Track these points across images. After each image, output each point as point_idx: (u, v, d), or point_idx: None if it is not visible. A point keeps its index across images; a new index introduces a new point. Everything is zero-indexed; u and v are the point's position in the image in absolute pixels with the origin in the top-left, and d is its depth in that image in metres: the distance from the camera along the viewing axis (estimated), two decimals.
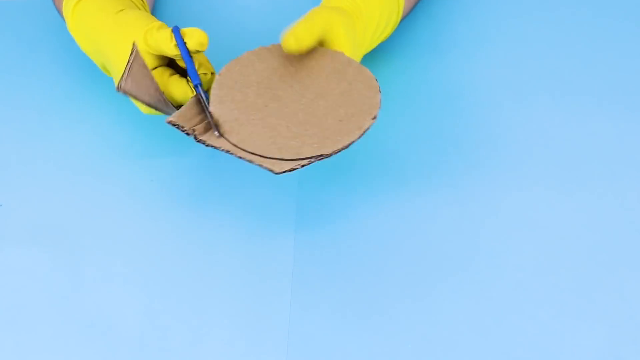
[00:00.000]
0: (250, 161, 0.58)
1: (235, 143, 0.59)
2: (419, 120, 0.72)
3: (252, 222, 0.66)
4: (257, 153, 0.58)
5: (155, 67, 0.65)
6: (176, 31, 0.63)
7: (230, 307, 0.61)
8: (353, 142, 0.59)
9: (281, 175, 0.58)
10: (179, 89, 0.64)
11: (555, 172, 0.68)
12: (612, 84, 0.75)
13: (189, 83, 0.64)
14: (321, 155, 0.58)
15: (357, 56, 0.67)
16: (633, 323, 0.60)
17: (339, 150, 0.58)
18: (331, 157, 0.59)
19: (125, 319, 0.61)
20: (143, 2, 0.73)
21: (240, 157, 0.58)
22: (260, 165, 0.58)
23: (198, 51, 0.63)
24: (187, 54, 0.63)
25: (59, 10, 0.74)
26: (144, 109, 0.66)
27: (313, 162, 0.58)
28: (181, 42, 0.63)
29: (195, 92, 0.63)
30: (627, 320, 0.60)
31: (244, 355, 0.59)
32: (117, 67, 0.65)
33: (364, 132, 0.59)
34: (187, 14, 0.81)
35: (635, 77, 0.75)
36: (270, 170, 0.57)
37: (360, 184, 0.67)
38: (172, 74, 0.65)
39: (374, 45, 0.72)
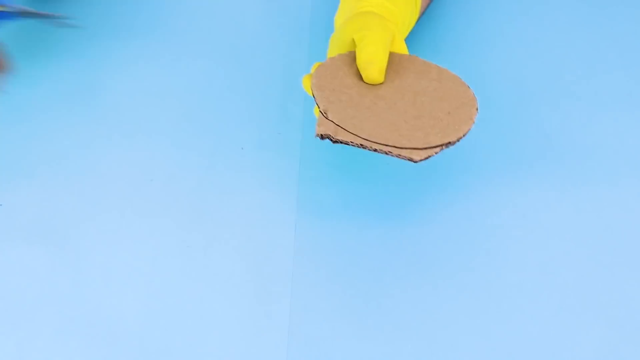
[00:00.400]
0: (388, 152, 0.58)
1: (366, 137, 0.59)
2: None
3: (252, 222, 0.66)
4: (390, 144, 0.59)
5: None
6: None
7: (230, 307, 0.61)
8: (470, 129, 0.60)
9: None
10: None
11: (555, 172, 0.68)
12: (612, 83, 0.75)
13: None
14: (449, 142, 0.59)
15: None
16: (633, 323, 0.60)
17: (462, 138, 0.59)
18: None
19: (125, 319, 0.61)
20: None
21: (376, 150, 0.59)
22: (399, 156, 0.58)
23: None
24: None
25: None
26: None
27: (443, 149, 0.59)
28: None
29: None
30: (627, 320, 0.60)
31: (244, 356, 0.59)
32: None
33: (474, 121, 0.60)
34: (183, 12, 0.81)
35: (636, 77, 0.75)
36: (410, 159, 0.58)
37: (360, 184, 0.67)
38: None
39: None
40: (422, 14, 0.77)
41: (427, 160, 0.69)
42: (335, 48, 0.66)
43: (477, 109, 0.61)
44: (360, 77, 0.63)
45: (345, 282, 0.62)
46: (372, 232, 0.65)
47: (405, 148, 0.59)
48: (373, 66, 0.62)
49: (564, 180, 0.68)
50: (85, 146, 0.70)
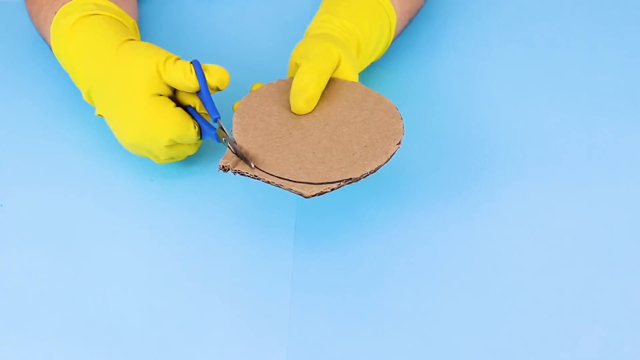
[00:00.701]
0: (279, 185, 0.58)
1: (263, 169, 0.59)
2: (418, 120, 0.71)
3: (252, 222, 0.65)
4: (286, 177, 0.59)
5: (160, 95, 0.63)
6: (197, 65, 0.62)
7: (230, 307, 0.61)
8: (381, 166, 0.59)
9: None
10: (183, 121, 0.63)
11: (555, 171, 0.68)
12: (613, 83, 0.75)
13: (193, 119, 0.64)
14: (350, 178, 0.58)
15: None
16: (633, 323, 0.60)
17: (367, 175, 0.59)
18: None
19: (125, 319, 0.60)
20: (136, 30, 0.71)
21: (268, 182, 0.59)
22: (290, 190, 0.58)
23: (217, 89, 0.63)
24: (207, 89, 0.62)
25: (39, 26, 0.72)
26: (162, 157, 0.65)
27: (342, 185, 0.58)
28: (202, 77, 0.62)
29: (197, 125, 0.63)
30: (627, 320, 0.60)
31: (244, 356, 0.59)
32: (110, 97, 0.64)
33: (390, 157, 0.60)
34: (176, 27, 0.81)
35: (636, 77, 0.75)
36: (300, 194, 0.57)
37: (360, 185, 0.67)
38: (174, 106, 0.63)
39: (366, 65, 0.72)
40: (402, 30, 0.76)
41: (426, 161, 0.69)
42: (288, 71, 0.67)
43: (399, 143, 0.60)
44: (290, 105, 0.63)
45: (345, 282, 0.62)
46: (372, 232, 0.65)
47: (298, 182, 0.58)
48: (300, 96, 0.62)
49: (564, 180, 0.68)
50: (85, 146, 0.70)
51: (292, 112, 0.64)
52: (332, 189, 0.58)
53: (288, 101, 0.64)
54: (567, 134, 0.71)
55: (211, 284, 0.62)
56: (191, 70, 0.62)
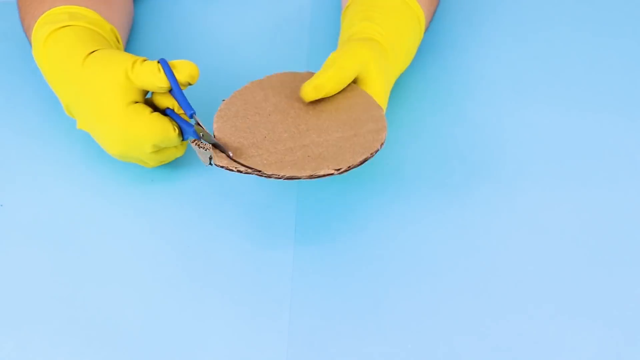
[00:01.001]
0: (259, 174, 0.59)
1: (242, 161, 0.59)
2: (418, 120, 0.72)
3: (252, 222, 0.66)
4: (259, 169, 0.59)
5: (135, 102, 0.63)
6: (164, 63, 0.61)
7: (230, 307, 0.61)
8: (327, 174, 0.58)
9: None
10: (162, 126, 0.62)
11: (555, 171, 0.68)
12: (613, 83, 0.75)
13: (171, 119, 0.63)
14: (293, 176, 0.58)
15: (390, 84, 0.67)
16: (633, 323, 0.60)
17: (312, 177, 0.58)
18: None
19: (125, 319, 0.60)
20: (118, 40, 0.70)
21: (248, 173, 0.59)
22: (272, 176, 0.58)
23: (189, 83, 0.62)
24: (178, 86, 0.61)
25: (27, 35, 0.72)
26: (151, 163, 0.65)
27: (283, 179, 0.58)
28: (171, 75, 0.61)
29: (177, 127, 0.63)
30: (627, 320, 0.60)
31: (244, 356, 0.59)
32: (86, 112, 0.63)
33: (335, 172, 0.58)
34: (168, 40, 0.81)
35: (636, 77, 0.75)
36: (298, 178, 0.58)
37: (360, 185, 0.67)
38: (151, 112, 0.63)
39: (403, 70, 0.71)
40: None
41: (426, 161, 0.69)
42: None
43: (345, 168, 0.58)
44: (272, 105, 0.63)
45: (346, 282, 0.62)
46: (372, 231, 0.65)
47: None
48: (312, 81, 0.61)
49: (564, 179, 0.68)
50: (85, 146, 0.70)
51: (283, 106, 0.63)
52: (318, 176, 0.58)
53: (289, 90, 0.64)
54: (567, 133, 0.71)
55: (211, 284, 0.62)
56: (159, 69, 0.61)
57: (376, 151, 0.60)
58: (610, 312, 0.60)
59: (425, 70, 0.76)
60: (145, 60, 0.62)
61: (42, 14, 0.68)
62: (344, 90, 0.63)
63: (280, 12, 0.82)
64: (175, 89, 0.61)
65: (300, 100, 0.63)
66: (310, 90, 0.62)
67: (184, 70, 0.61)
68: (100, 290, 0.62)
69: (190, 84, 0.62)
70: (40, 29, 0.66)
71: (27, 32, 0.72)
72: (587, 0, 0.82)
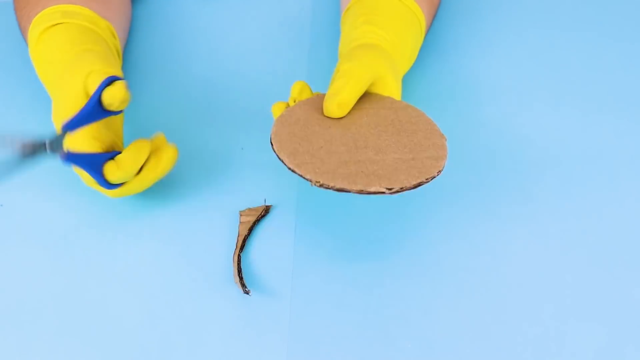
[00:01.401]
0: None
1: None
2: None
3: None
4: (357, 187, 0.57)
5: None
6: (105, 82, 0.59)
7: (230, 307, 0.61)
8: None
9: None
10: (85, 176, 0.62)
11: (556, 171, 0.68)
12: (613, 83, 0.75)
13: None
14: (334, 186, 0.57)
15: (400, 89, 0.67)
16: (633, 324, 0.59)
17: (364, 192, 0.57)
18: None
19: (125, 319, 0.60)
20: (114, 36, 0.70)
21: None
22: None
23: (111, 111, 0.60)
24: (95, 104, 0.59)
25: (24, 36, 0.72)
26: (114, 193, 0.63)
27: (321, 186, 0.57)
28: (97, 93, 0.59)
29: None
30: (627, 321, 0.60)
31: (244, 356, 0.59)
32: (58, 106, 0.62)
33: (387, 190, 0.57)
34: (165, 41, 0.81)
35: (636, 77, 0.75)
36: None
37: None
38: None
39: (406, 72, 0.71)
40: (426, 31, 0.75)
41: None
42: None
43: (397, 188, 0.57)
44: (319, 130, 0.61)
45: (345, 282, 0.62)
46: (373, 231, 0.65)
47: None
48: (334, 99, 0.61)
49: (564, 179, 0.68)
50: None
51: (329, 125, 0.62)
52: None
53: (355, 109, 0.62)
54: (567, 133, 0.71)
55: (211, 284, 0.62)
56: (97, 84, 0.59)
57: (432, 178, 0.58)
58: (610, 314, 0.60)
59: (427, 71, 0.76)
60: (104, 73, 0.60)
61: (36, 15, 0.68)
62: (408, 114, 0.63)
63: (281, 13, 0.82)
64: (87, 106, 0.59)
65: (363, 119, 0.62)
66: (335, 109, 0.61)
67: (109, 91, 0.59)
68: (100, 290, 0.62)
69: (114, 112, 0.60)
70: (34, 29, 0.67)
71: (24, 34, 0.72)
72: (589, 0, 0.82)
